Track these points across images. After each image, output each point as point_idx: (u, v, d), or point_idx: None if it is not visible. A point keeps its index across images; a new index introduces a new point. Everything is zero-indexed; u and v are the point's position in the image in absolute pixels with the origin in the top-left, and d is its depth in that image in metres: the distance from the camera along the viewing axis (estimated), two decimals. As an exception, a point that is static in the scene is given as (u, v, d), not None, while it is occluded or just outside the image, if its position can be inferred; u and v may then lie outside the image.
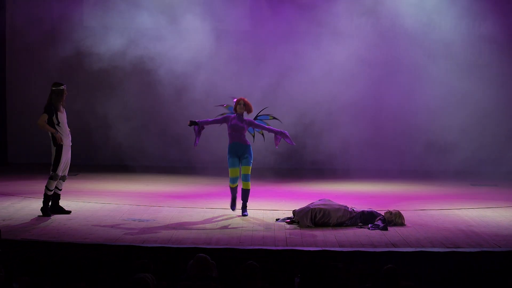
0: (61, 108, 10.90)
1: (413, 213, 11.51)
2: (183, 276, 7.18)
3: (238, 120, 11.12)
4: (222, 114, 11.39)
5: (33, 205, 11.37)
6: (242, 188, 11.21)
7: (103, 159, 17.56)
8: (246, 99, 11.20)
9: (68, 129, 10.96)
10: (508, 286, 8.16)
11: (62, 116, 10.88)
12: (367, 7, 16.93)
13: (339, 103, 17.06)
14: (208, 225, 10.35)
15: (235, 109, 11.19)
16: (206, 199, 12.76)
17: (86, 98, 16.99)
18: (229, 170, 11.13)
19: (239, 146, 11.09)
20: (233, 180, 11.18)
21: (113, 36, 16.79)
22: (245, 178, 11.15)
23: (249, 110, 11.20)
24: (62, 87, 10.90)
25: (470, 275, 8.62)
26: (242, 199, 11.23)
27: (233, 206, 11.27)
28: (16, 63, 17.60)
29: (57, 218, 10.64)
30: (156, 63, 16.98)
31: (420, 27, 17.00)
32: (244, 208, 11.24)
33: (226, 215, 11.13)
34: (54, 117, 10.79)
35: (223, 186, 14.51)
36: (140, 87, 17.40)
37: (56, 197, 10.99)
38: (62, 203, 11.06)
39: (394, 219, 10.51)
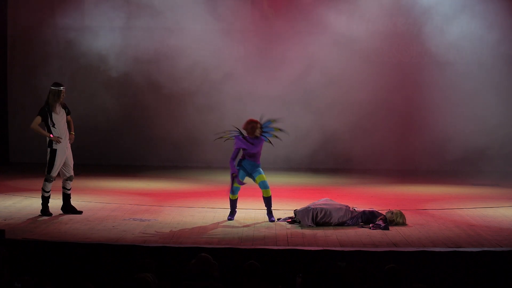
0: (58, 109, 10.77)
1: (414, 212, 11.50)
2: (184, 275, 7.18)
3: (251, 144, 10.66)
4: (228, 138, 10.91)
5: (35, 205, 11.37)
6: (264, 197, 10.81)
7: (104, 159, 17.57)
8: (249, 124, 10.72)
9: (66, 131, 10.84)
10: (509, 285, 8.16)
11: (59, 118, 10.76)
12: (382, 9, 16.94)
13: (341, 103, 17.08)
14: (209, 225, 10.34)
15: (248, 133, 10.71)
16: (208, 199, 12.75)
17: (87, 97, 16.99)
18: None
19: (252, 164, 10.72)
20: (236, 191, 10.77)
21: (115, 37, 16.81)
22: (264, 186, 10.74)
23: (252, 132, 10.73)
24: (60, 88, 10.78)
25: (472, 275, 8.61)
26: (266, 206, 10.83)
27: (231, 216, 10.84)
28: (18, 62, 17.60)
29: (58, 217, 10.65)
30: (158, 63, 17.02)
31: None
32: (270, 213, 10.84)
33: (227, 215, 11.11)
34: (49, 119, 10.72)
35: (225, 186, 14.53)
36: (143, 87, 17.39)
37: (67, 197, 10.97)
38: (61, 202, 11.06)
39: (395, 219, 10.50)
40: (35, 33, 17.09)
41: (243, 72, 17.01)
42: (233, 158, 10.75)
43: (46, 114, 10.71)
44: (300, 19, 17.19)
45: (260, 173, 10.77)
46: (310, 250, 8.79)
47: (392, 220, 10.46)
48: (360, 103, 17.17)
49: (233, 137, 10.85)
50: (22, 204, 11.72)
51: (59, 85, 10.85)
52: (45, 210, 10.79)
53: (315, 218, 10.41)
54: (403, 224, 10.49)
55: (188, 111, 17.21)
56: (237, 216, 10.89)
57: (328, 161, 17.43)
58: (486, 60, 17.16)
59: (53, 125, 10.73)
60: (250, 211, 11.37)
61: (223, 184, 14.79)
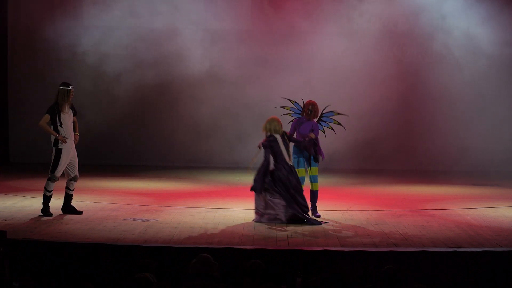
0: (66, 109, 10.81)
1: (414, 212, 11.50)
2: (184, 275, 7.18)
3: (301, 123, 11.06)
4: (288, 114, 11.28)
5: (35, 205, 11.37)
6: (312, 190, 11.17)
7: (104, 159, 17.56)
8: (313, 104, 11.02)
9: (72, 131, 10.88)
10: (509, 285, 8.15)
11: (66, 117, 10.80)
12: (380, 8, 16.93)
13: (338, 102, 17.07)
14: (209, 225, 10.33)
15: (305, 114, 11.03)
16: (208, 199, 12.75)
17: (87, 97, 16.97)
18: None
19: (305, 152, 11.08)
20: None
21: (114, 36, 16.81)
22: (315, 180, 11.18)
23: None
24: (69, 87, 10.82)
25: (472, 275, 8.61)
26: (311, 201, 11.11)
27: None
28: (18, 62, 17.59)
29: (58, 218, 10.65)
30: (158, 63, 17.02)
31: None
32: (315, 209, 11.15)
33: (227, 215, 11.12)
34: (57, 119, 10.76)
35: (225, 186, 14.52)
36: (142, 87, 17.38)
37: (68, 198, 10.97)
38: (61, 202, 11.06)
39: (269, 128, 10.55)
40: (35, 34, 17.08)
41: (243, 72, 17.00)
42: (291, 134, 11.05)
43: (54, 113, 10.75)
44: (300, 18, 17.17)
45: (315, 165, 11.07)
46: (310, 250, 8.79)
47: (271, 131, 10.53)
48: (361, 102, 17.14)
49: (293, 116, 11.22)
50: (22, 204, 11.72)
51: (68, 84, 10.90)
52: (45, 209, 10.78)
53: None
54: (280, 129, 10.54)
55: (189, 111, 17.20)
56: (237, 216, 10.90)
57: (327, 161, 17.39)
58: (491, 59, 17.11)
59: (60, 125, 10.77)
60: (250, 211, 11.36)
61: (223, 184, 14.80)
